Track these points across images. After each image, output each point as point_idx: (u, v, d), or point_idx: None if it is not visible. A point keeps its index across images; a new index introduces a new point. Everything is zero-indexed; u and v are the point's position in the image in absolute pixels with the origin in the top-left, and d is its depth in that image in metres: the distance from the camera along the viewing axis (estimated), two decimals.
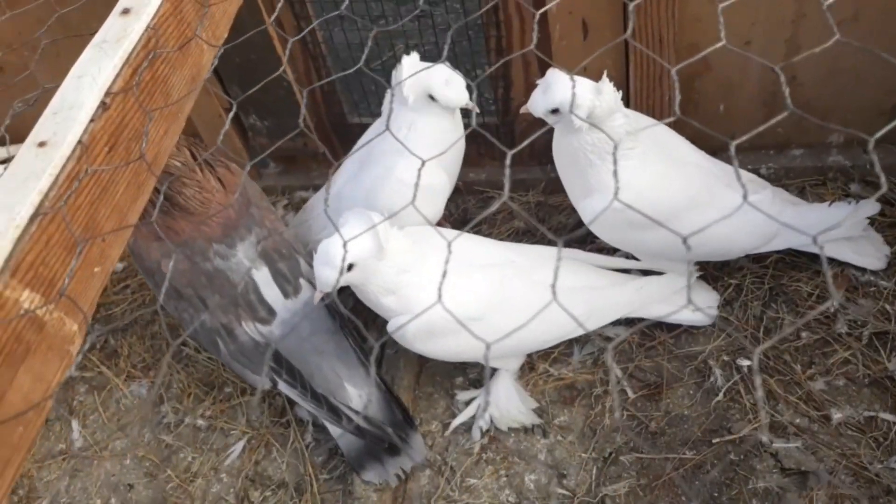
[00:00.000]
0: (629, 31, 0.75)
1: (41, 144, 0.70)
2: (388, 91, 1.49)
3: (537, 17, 0.76)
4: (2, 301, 0.63)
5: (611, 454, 1.53)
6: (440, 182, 1.60)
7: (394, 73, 1.49)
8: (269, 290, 1.54)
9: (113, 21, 0.82)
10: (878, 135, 0.53)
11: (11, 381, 0.64)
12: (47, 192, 0.68)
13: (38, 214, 0.67)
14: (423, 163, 0.66)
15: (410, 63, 1.45)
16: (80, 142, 0.71)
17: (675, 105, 0.58)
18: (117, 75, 0.78)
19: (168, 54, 0.83)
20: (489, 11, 1.73)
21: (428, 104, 1.47)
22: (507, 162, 0.56)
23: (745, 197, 0.53)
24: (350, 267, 1.28)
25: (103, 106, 0.75)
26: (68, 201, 0.68)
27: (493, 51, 1.78)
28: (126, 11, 0.83)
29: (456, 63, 1.95)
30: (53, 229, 0.68)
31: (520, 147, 0.68)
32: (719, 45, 0.67)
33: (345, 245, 1.18)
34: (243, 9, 1.34)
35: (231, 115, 1.89)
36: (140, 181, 0.79)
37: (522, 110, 1.39)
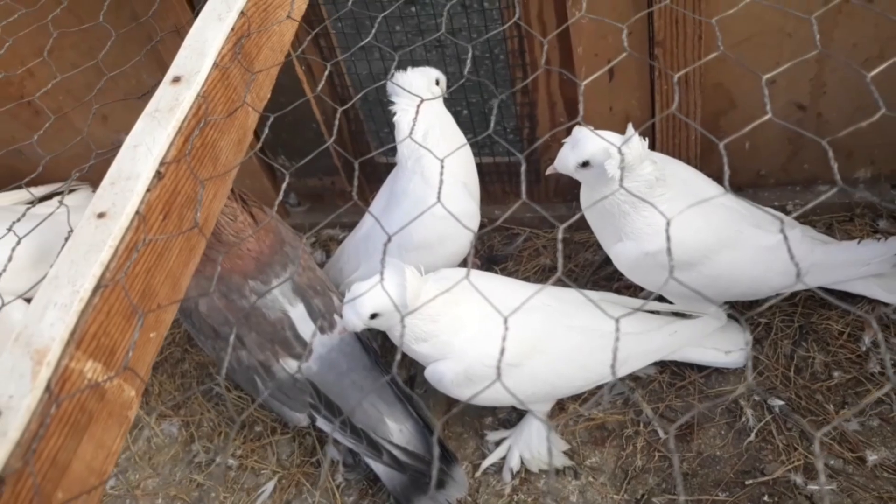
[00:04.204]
0: (675, 105, 0.75)
1: (101, 216, 0.73)
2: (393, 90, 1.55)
3: (581, 89, 0.77)
4: (67, 373, 0.65)
5: (643, 496, 1.52)
6: (472, 210, 1.61)
7: (391, 84, 1.56)
8: (305, 326, 1.56)
9: (164, 90, 0.85)
10: None
11: (76, 450, 0.66)
12: (108, 264, 0.70)
13: (99, 286, 0.69)
14: (442, 162, 0.67)
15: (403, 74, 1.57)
16: (137, 212, 0.74)
17: (725, 180, 0.59)
18: (171, 144, 0.80)
19: (217, 121, 0.86)
20: (514, 53, 1.76)
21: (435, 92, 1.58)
22: (560, 236, 0.57)
23: (798, 275, 0.54)
24: (374, 316, 1.30)
25: (158, 175, 0.77)
26: (127, 271, 0.71)
27: (520, 91, 1.81)
28: (177, 80, 0.86)
29: (480, 91, 1.98)
30: (114, 299, 0.70)
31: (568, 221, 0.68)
32: (766, 118, 0.68)
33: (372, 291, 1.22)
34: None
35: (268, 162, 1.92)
36: (192, 245, 0.81)
37: (549, 171, 1.41)
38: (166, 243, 0.77)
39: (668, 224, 0.55)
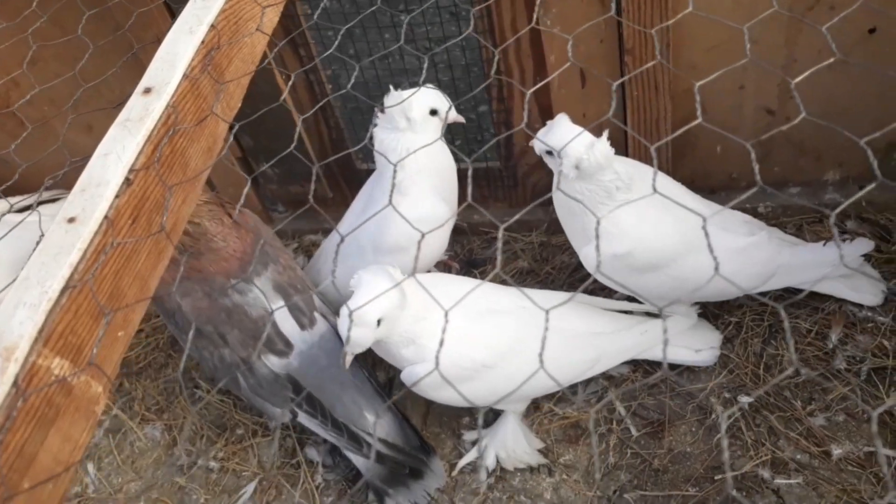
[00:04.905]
0: (611, 112, 0.79)
1: (70, 220, 0.76)
2: (377, 116, 1.55)
3: (527, 96, 0.81)
4: (35, 369, 0.68)
5: (615, 492, 1.56)
6: (442, 212, 1.64)
7: (386, 99, 1.55)
8: (286, 323, 1.59)
9: (135, 100, 0.88)
10: None
11: (43, 442, 0.69)
12: (77, 266, 0.74)
13: (68, 287, 0.72)
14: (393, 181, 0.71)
15: (396, 94, 1.52)
16: (106, 217, 0.77)
17: (654, 181, 0.63)
18: (140, 152, 0.84)
19: (186, 129, 0.89)
20: (489, 62, 1.80)
21: (426, 122, 1.53)
22: (500, 235, 0.61)
23: (716, 269, 0.58)
24: (378, 322, 1.31)
25: (127, 182, 0.81)
26: (95, 273, 0.74)
27: (496, 99, 1.85)
28: (147, 91, 0.89)
29: (456, 100, 2.01)
30: (82, 299, 0.73)
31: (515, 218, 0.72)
32: (695, 122, 0.72)
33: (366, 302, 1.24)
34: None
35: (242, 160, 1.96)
36: (160, 249, 0.85)
37: (531, 143, 1.46)
38: (135, 246, 0.81)
39: (598, 223, 0.59)
